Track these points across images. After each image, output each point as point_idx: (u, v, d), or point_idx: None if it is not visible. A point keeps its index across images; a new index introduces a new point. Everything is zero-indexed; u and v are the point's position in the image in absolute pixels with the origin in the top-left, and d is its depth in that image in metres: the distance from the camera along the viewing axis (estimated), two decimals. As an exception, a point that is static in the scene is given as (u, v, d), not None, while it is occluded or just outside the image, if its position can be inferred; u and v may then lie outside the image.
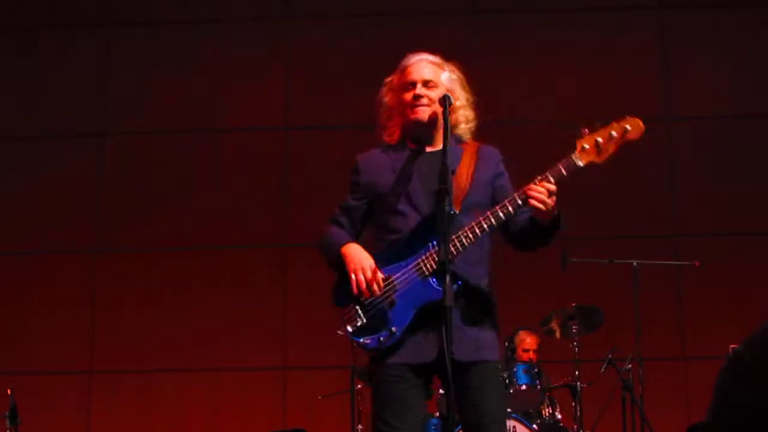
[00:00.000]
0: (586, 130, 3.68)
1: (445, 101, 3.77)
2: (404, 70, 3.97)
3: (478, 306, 3.81)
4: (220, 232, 8.83)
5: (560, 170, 3.63)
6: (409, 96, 3.90)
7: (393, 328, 3.74)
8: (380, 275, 3.77)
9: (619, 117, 3.69)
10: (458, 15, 9.08)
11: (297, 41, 9.14)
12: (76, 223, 8.91)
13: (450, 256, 3.62)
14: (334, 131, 8.85)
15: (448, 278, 3.45)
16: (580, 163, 3.64)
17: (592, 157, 3.65)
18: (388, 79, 4.06)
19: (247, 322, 8.64)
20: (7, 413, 6.87)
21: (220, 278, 8.78)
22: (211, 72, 9.11)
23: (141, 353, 8.64)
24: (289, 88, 9.08)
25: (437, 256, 3.65)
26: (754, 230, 8.58)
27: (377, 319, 3.77)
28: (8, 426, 6.82)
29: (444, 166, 3.56)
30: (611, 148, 3.64)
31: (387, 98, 4.03)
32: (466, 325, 3.76)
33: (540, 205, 3.60)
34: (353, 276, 3.77)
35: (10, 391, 6.93)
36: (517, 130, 8.47)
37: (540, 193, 3.59)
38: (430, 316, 3.64)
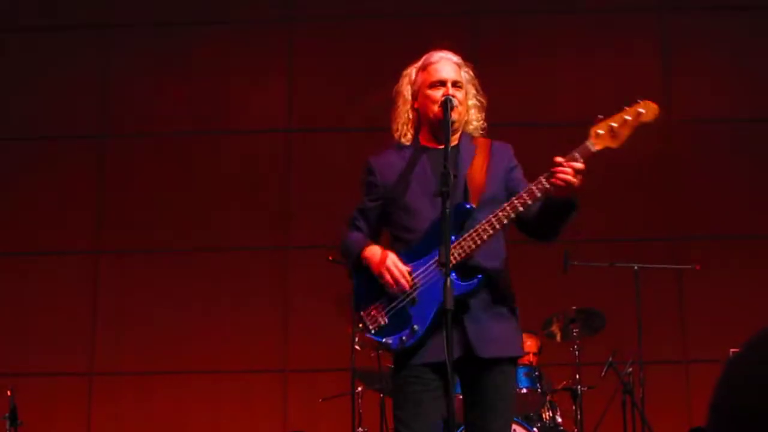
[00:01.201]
0: (600, 116, 3.70)
1: (446, 104, 3.79)
2: (429, 67, 3.97)
3: (499, 298, 3.83)
4: (221, 235, 8.82)
5: (575, 156, 3.64)
6: (438, 94, 3.89)
7: (415, 326, 3.73)
8: (406, 267, 3.77)
9: (632, 101, 3.72)
10: (459, 17, 9.08)
11: (298, 43, 9.14)
12: (76, 225, 8.90)
13: (469, 251, 3.70)
14: (336, 134, 8.85)
15: (448, 281, 3.44)
16: (595, 149, 3.66)
17: (607, 143, 3.67)
18: (407, 71, 4.05)
19: (247, 325, 8.63)
20: (7, 414, 6.87)
21: (221, 280, 8.77)
22: (211, 74, 9.11)
23: (141, 355, 8.63)
24: (291, 91, 9.08)
25: (457, 250, 3.69)
26: (755, 234, 8.57)
27: (399, 318, 3.77)
28: (8, 427, 6.82)
29: (445, 168, 3.56)
30: (626, 132, 3.67)
31: (405, 90, 4.02)
32: (489, 319, 3.78)
33: (564, 185, 3.59)
34: (385, 274, 3.75)
35: (10, 392, 6.92)
36: (517, 132, 8.46)
37: (567, 173, 3.59)
38: (453, 312, 3.59)
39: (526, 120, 8.53)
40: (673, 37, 8.99)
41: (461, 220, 3.76)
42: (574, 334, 6.94)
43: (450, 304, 3.41)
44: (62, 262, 8.82)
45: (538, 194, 3.67)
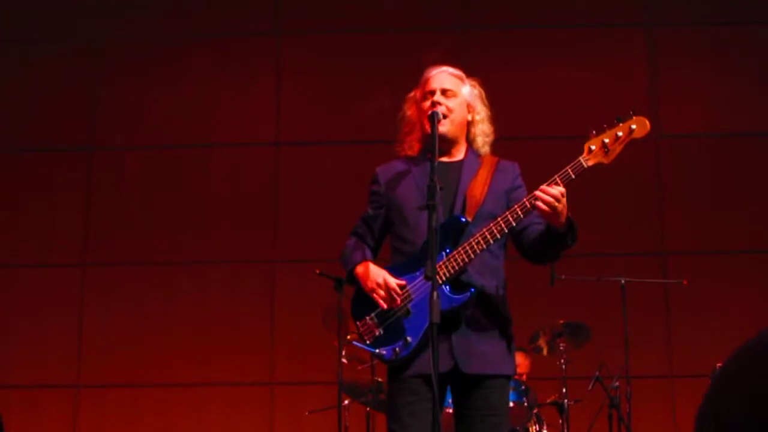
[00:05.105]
0: (594, 131, 3.76)
1: (432, 117, 3.80)
2: (425, 82, 4.02)
3: (491, 317, 3.83)
4: (209, 247, 8.80)
5: (568, 173, 3.68)
6: (427, 104, 3.92)
7: (408, 338, 3.76)
8: (396, 282, 3.81)
9: (625, 116, 3.77)
10: (448, 31, 9.10)
11: (288, 57, 9.14)
12: (63, 237, 8.87)
13: (463, 264, 3.72)
14: (324, 147, 8.85)
15: (435, 294, 3.44)
16: (587, 165, 3.71)
17: (600, 158, 3.73)
18: (411, 95, 4.11)
19: (234, 338, 8.61)
20: (-8, 426, 6.84)
21: (209, 293, 8.76)
22: (200, 87, 9.10)
23: (128, 367, 8.60)
24: (279, 104, 9.08)
25: (450, 263, 3.71)
26: (741, 249, 8.60)
27: (393, 330, 3.81)
28: (-7, 439, 6.78)
29: (431, 181, 3.57)
30: (618, 149, 3.74)
31: (409, 112, 4.07)
32: (478, 336, 3.78)
33: (546, 208, 3.61)
34: (374, 295, 3.82)
35: (-5, 405, 6.89)
36: (506, 145, 8.48)
37: (547, 194, 3.61)
38: (444, 325, 3.59)
39: (514, 134, 8.54)
40: (660, 53, 9.03)
41: (456, 233, 3.78)
42: (561, 348, 6.95)
43: (436, 318, 3.40)
44: (49, 275, 8.79)
45: (521, 214, 3.69)
